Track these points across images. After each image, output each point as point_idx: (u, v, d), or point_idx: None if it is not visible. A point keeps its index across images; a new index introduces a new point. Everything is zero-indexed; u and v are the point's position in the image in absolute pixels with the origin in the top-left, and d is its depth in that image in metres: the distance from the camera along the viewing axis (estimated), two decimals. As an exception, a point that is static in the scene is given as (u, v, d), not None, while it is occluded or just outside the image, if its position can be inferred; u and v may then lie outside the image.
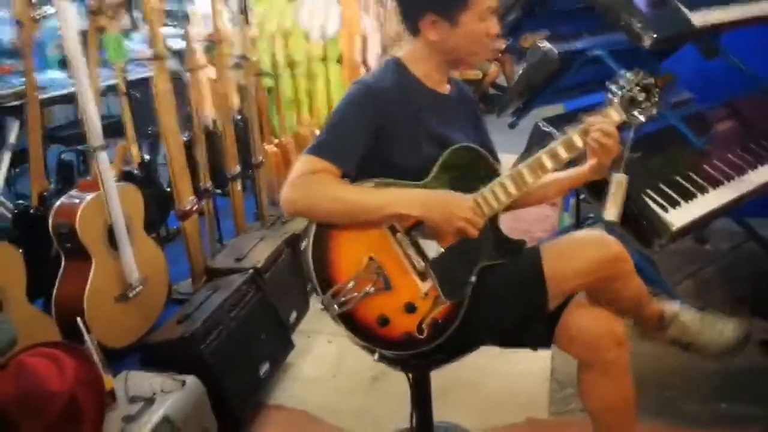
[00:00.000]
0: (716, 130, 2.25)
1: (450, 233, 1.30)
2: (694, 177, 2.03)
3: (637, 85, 1.35)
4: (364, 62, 4.61)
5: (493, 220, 1.38)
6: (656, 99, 1.37)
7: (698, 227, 1.90)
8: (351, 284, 1.27)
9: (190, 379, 1.71)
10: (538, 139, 2.40)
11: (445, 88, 1.44)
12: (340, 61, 4.41)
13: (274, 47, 3.26)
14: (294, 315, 2.48)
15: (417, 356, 1.38)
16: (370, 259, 1.29)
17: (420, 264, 1.31)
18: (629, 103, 1.36)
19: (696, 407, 1.88)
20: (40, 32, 4.19)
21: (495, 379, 2.03)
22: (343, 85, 4.61)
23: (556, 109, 3.15)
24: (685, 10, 1.86)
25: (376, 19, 4.73)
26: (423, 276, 1.31)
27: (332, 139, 1.30)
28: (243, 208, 2.81)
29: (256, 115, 3.02)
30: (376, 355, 1.39)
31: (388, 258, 1.30)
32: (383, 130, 1.31)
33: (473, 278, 1.34)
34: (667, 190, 1.95)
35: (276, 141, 3.27)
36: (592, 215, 2.71)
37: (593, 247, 1.33)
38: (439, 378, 1.53)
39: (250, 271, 2.19)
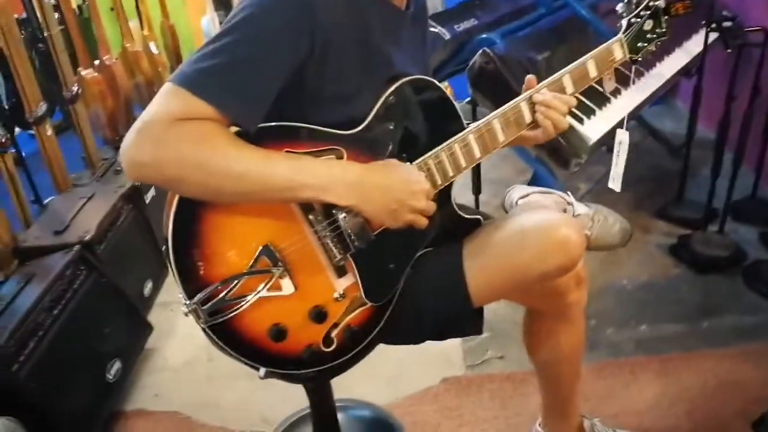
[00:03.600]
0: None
1: (393, 226, 0.92)
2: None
3: (647, 8, 1.13)
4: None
5: (445, 191, 1.01)
6: (663, 30, 1.15)
7: (612, 137, 1.67)
8: (234, 284, 0.87)
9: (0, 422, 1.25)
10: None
11: (402, 2, 0.99)
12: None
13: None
14: (149, 286, 2.02)
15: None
16: (266, 247, 0.89)
17: (339, 255, 0.93)
18: (636, 37, 1.14)
19: (618, 334, 1.76)
20: None
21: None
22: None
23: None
24: None
25: None
26: (341, 271, 0.95)
27: (231, 68, 0.80)
28: (61, 159, 2.16)
29: (61, 31, 2.30)
30: (262, 372, 1.01)
31: (294, 246, 0.91)
32: (315, 54, 0.86)
33: (408, 270, 1.00)
34: (581, 97, 1.67)
35: (96, 63, 2.57)
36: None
37: (554, 254, 0.98)
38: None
39: (76, 247, 1.68)
